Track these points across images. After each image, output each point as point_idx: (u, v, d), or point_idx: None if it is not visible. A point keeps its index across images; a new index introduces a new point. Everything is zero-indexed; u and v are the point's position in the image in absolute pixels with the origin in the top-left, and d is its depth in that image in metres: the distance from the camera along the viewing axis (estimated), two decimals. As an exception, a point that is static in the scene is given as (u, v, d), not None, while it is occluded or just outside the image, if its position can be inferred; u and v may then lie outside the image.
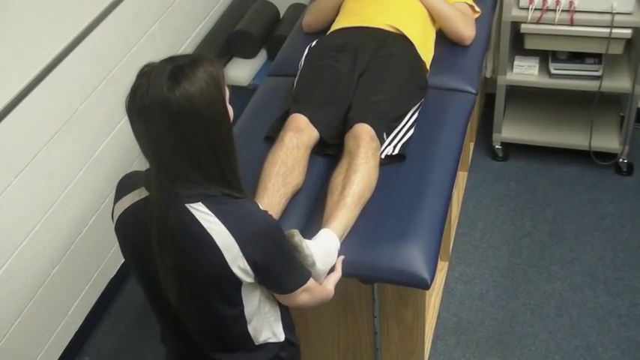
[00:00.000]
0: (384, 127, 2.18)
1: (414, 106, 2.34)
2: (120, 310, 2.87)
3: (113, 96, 2.67)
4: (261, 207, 1.95)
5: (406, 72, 2.39)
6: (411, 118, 2.31)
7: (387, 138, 2.20)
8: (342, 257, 1.90)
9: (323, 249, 1.82)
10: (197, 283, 1.51)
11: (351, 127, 2.13)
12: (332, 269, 1.86)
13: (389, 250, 1.96)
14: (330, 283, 1.82)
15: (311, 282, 1.68)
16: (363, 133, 2.09)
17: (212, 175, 1.47)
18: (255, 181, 2.06)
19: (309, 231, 1.93)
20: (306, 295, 1.68)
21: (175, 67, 1.39)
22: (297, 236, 1.74)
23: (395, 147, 2.21)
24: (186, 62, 1.41)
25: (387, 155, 2.18)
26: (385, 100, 2.25)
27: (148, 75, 1.39)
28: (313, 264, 1.75)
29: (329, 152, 2.23)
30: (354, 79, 2.35)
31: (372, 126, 2.12)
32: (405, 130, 2.27)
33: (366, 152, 2.05)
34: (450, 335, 2.65)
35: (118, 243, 1.59)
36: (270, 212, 1.96)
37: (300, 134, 2.14)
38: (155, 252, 1.47)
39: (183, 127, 1.39)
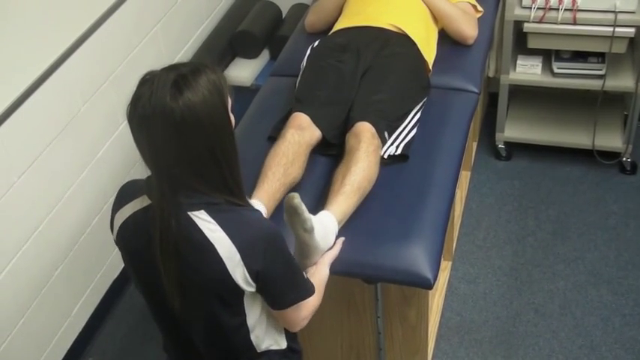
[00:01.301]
0: (385, 126, 2.18)
1: (416, 105, 2.34)
2: (123, 311, 2.87)
3: (116, 97, 2.67)
4: (259, 197, 1.96)
5: (408, 72, 2.39)
6: (413, 117, 2.31)
7: (390, 138, 2.20)
8: (342, 238, 1.89)
9: (322, 227, 1.81)
10: (200, 292, 1.50)
11: (352, 126, 2.14)
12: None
13: (392, 250, 1.96)
14: (326, 262, 1.80)
15: (312, 301, 1.64)
16: (364, 131, 2.10)
17: (214, 184, 1.45)
18: (257, 180, 2.06)
19: (312, 230, 1.93)
20: (306, 320, 1.66)
21: (178, 76, 1.37)
22: (297, 199, 1.71)
23: (397, 147, 2.20)
24: (189, 71, 1.39)
25: (389, 155, 2.18)
26: (387, 99, 2.25)
27: (150, 83, 1.38)
28: (312, 229, 1.73)
29: (331, 152, 2.23)
30: (356, 79, 2.35)
31: (372, 124, 2.12)
32: (407, 129, 2.27)
33: (367, 148, 2.05)
34: (453, 335, 2.65)
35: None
36: (268, 199, 1.96)
37: (302, 132, 2.15)
38: (158, 260, 1.46)
39: (185, 137, 1.38)
